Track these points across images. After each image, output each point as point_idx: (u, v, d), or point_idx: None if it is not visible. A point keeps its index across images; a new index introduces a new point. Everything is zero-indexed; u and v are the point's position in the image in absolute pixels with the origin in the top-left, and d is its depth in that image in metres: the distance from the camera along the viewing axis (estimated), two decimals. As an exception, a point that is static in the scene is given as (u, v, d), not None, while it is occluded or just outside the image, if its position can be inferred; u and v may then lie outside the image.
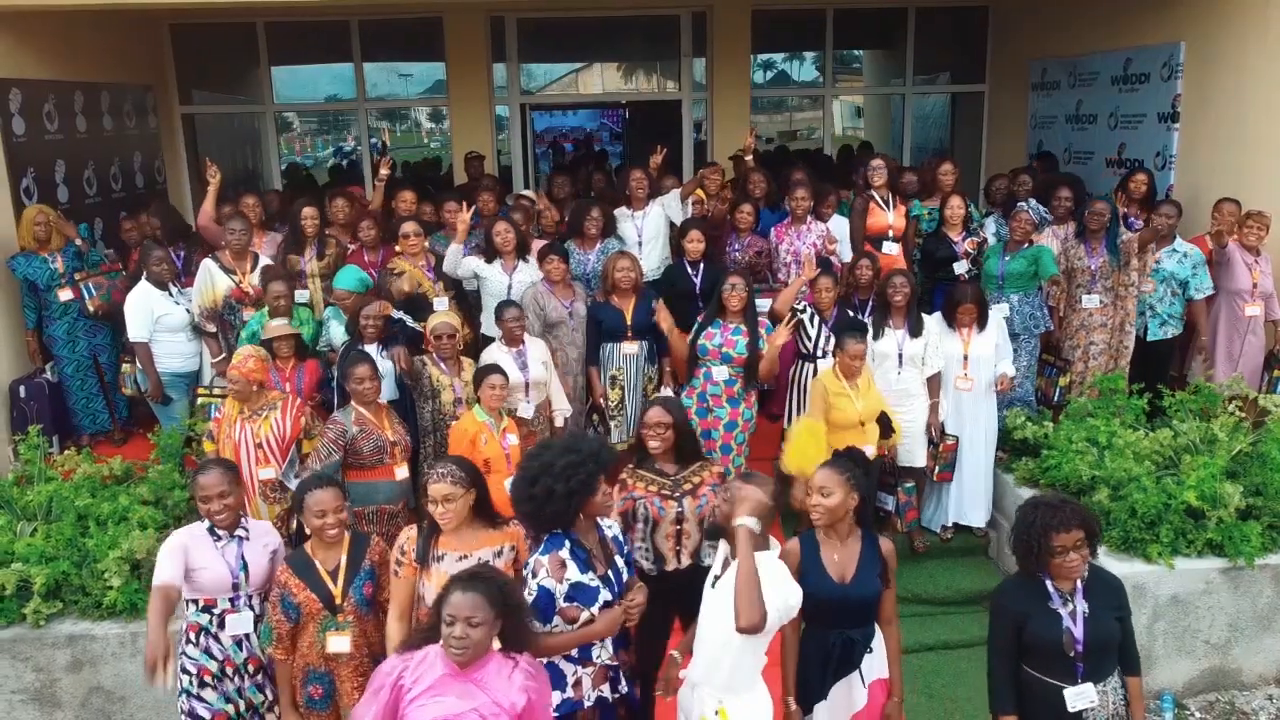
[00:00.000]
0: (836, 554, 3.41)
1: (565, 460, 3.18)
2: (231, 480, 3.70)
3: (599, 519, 3.38)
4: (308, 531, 3.66)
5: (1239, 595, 4.78)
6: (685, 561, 3.89)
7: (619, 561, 3.36)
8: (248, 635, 3.68)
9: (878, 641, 3.49)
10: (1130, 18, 7.59)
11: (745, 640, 3.06)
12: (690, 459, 3.95)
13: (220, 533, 3.66)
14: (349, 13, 9.36)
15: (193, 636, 3.66)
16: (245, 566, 3.66)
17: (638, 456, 4.01)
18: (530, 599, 3.12)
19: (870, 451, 4.86)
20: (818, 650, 3.43)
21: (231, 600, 3.66)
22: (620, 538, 3.44)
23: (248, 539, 3.72)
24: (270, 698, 3.76)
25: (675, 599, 3.78)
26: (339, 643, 3.56)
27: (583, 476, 3.17)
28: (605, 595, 3.23)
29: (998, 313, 5.73)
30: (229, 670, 3.68)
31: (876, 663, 3.48)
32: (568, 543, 3.22)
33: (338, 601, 3.58)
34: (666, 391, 5.64)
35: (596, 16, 10.00)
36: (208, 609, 3.65)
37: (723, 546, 3.29)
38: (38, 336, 6.46)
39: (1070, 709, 3.14)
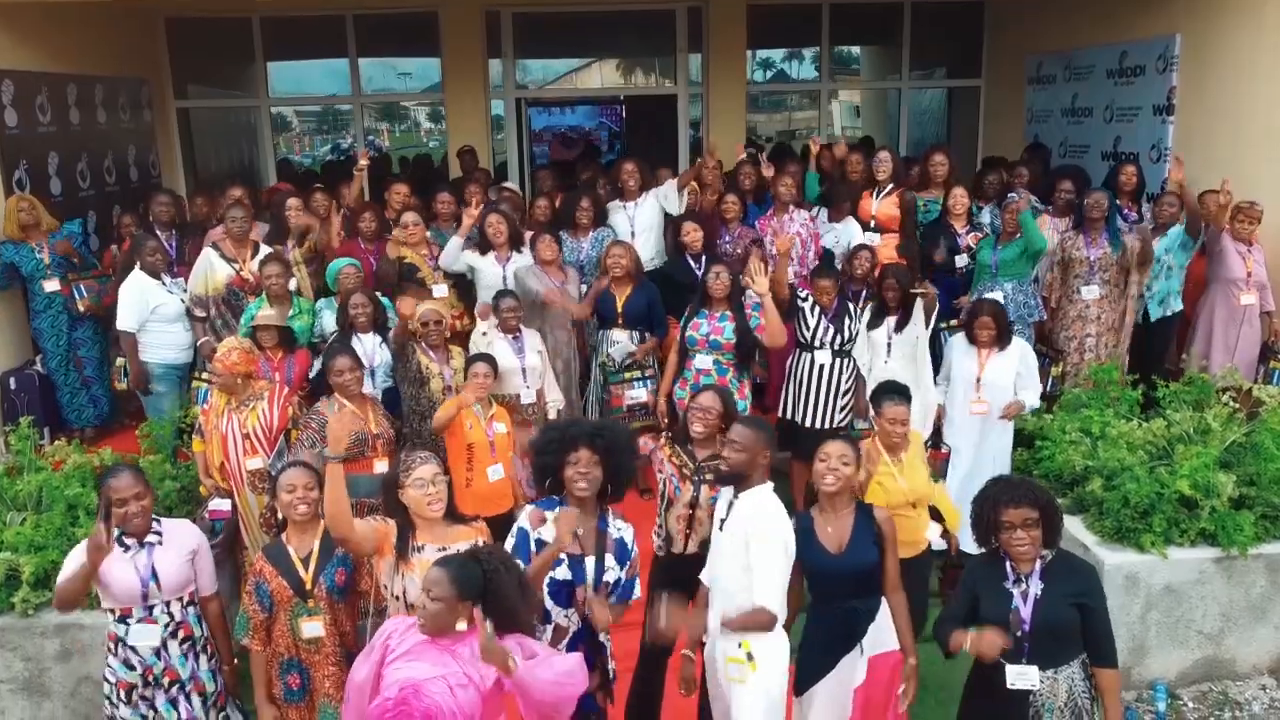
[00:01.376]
0: (831, 526, 3.49)
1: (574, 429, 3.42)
2: (145, 483, 3.58)
3: (611, 515, 3.41)
4: (277, 515, 3.63)
5: (1232, 585, 4.76)
6: (692, 548, 3.90)
7: (609, 560, 3.33)
8: (163, 646, 3.57)
9: (884, 614, 3.52)
10: (1126, 10, 7.59)
11: (754, 575, 3.28)
12: None
13: (129, 541, 3.53)
14: (344, 7, 9.35)
15: (112, 646, 3.57)
16: (155, 575, 3.53)
17: (679, 433, 4.05)
18: (511, 539, 3.31)
19: (933, 533, 4.30)
20: (820, 624, 3.50)
21: (150, 609, 3.54)
22: (627, 543, 3.41)
23: (160, 544, 3.58)
24: (184, 715, 3.63)
25: (679, 583, 3.77)
26: (312, 628, 3.53)
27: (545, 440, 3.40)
28: (566, 574, 3.26)
29: (1022, 343, 5.45)
30: (149, 679, 3.57)
31: (883, 636, 3.52)
32: (558, 509, 3.32)
33: (308, 587, 3.54)
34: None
35: (592, 11, 9.99)
36: (124, 619, 3.53)
37: (726, 492, 3.45)
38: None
39: (1009, 685, 3.15)
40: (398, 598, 3.34)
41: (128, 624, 3.54)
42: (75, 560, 3.47)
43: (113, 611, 3.55)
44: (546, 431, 3.47)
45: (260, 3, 9.11)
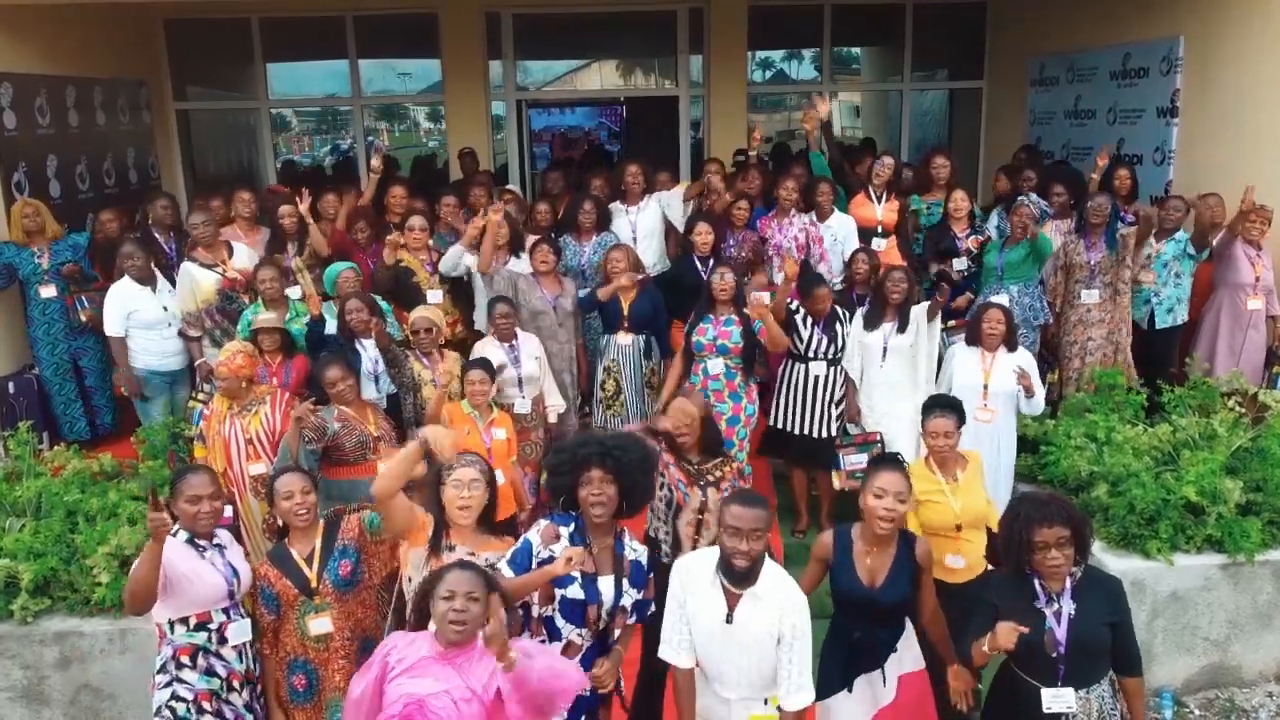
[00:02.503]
0: (870, 558, 3.39)
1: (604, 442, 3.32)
2: (218, 484, 3.63)
3: (627, 536, 3.37)
4: (279, 521, 3.64)
5: (1239, 591, 4.73)
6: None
7: (624, 584, 3.28)
8: (247, 644, 3.58)
9: (906, 641, 3.47)
10: (1129, 12, 7.56)
11: (772, 645, 3.11)
12: (713, 451, 4.02)
13: (201, 542, 3.53)
14: (344, 8, 9.32)
15: (187, 660, 3.47)
16: (236, 573, 3.56)
17: (670, 445, 4.04)
18: (513, 549, 3.25)
19: (960, 563, 4.00)
20: (841, 643, 3.44)
21: (226, 611, 3.53)
22: (643, 564, 3.35)
23: (227, 546, 3.62)
24: (260, 714, 3.65)
25: None
26: (320, 624, 3.53)
27: (556, 461, 3.31)
28: (578, 593, 3.20)
29: (1026, 353, 5.31)
30: (235, 684, 3.54)
31: (907, 659, 3.47)
32: (574, 525, 3.27)
33: (313, 585, 3.54)
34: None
35: (592, 12, 9.96)
36: (202, 626, 3.49)
37: (711, 571, 3.17)
38: None
39: (1045, 709, 3.09)
40: None
41: (209, 629, 3.49)
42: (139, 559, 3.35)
43: (185, 623, 3.47)
44: (558, 452, 3.40)
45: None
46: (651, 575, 3.38)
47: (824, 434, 5.51)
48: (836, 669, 3.45)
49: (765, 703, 3.19)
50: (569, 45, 11.33)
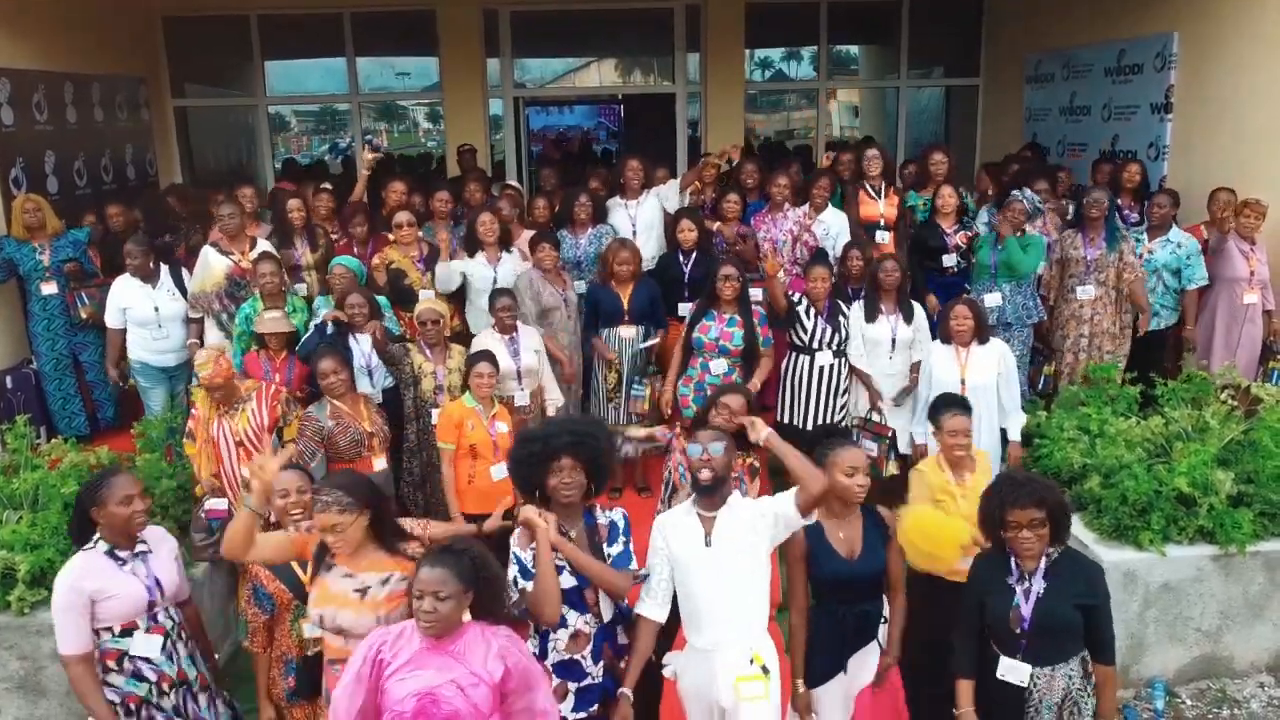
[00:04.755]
0: (842, 531, 3.46)
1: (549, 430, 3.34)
2: (141, 485, 3.50)
3: (597, 511, 3.39)
4: (273, 519, 3.59)
5: (1230, 582, 4.75)
6: None
7: (605, 550, 3.30)
8: (175, 645, 3.50)
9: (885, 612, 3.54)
10: (1124, 9, 7.60)
11: (755, 579, 3.24)
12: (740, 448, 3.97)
13: (122, 554, 3.42)
14: (342, 5, 9.35)
15: (113, 665, 3.40)
16: (158, 582, 3.47)
17: (696, 424, 4.02)
18: (513, 568, 3.23)
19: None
20: (832, 626, 3.46)
21: (151, 618, 3.45)
22: (618, 523, 3.37)
23: (151, 552, 3.53)
24: (192, 715, 3.57)
25: None
26: (314, 629, 3.48)
27: (525, 452, 3.31)
28: (570, 580, 3.22)
29: (1001, 344, 5.32)
30: (165, 687, 3.47)
31: (883, 632, 3.54)
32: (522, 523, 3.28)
33: (308, 589, 3.47)
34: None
35: (590, 10, 9.99)
36: (128, 632, 3.41)
37: (688, 506, 3.34)
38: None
39: (999, 675, 3.16)
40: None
41: (132, 636, 3.44)
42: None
43: (110, 630, 3.42)
44: (526, 443, 3.38)
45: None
46: (629, 535, 3.41)
47: (829, 423, 5.53)
48: (831, 655, 3.47)
49: (750, 663, 3.22)
50: (567, 43, 11.37)
